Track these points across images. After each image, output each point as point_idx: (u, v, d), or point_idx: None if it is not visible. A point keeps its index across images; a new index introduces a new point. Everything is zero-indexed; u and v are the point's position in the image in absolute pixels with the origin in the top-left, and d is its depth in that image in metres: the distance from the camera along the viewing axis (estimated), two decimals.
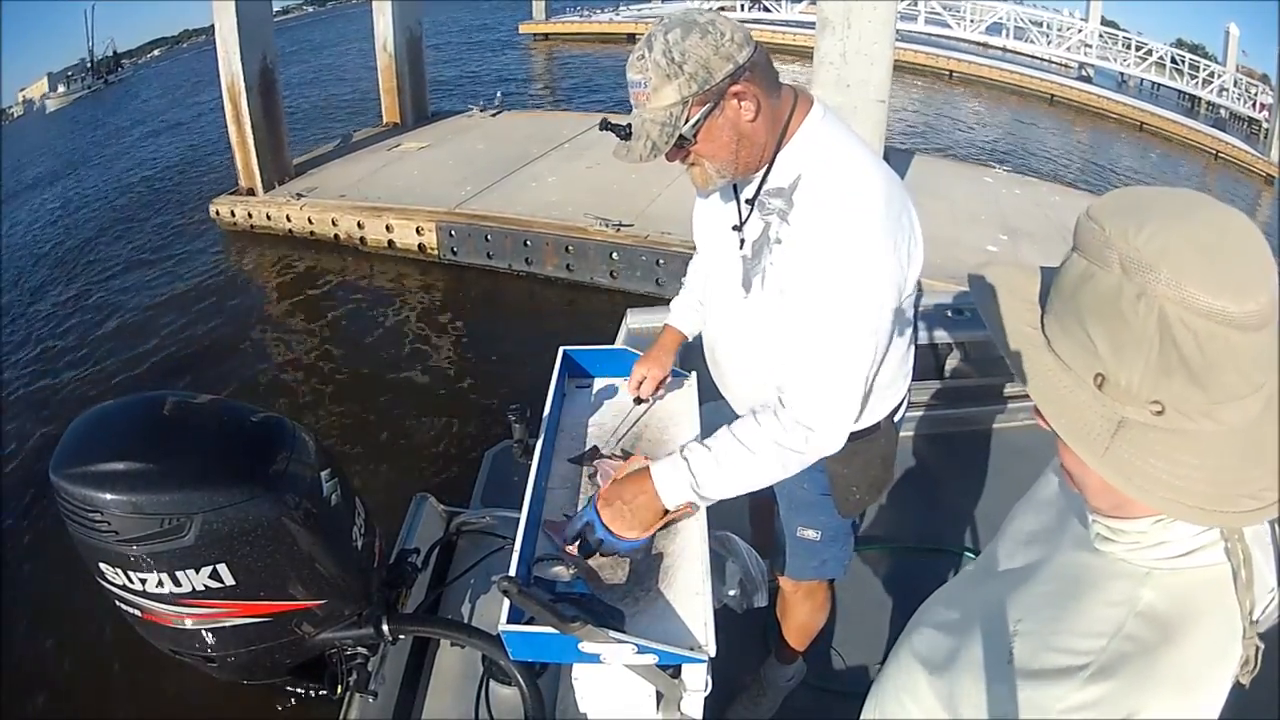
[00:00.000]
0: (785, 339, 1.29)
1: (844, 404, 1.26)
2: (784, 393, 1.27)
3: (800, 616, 1.80)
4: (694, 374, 1.69)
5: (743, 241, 1.35)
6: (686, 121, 1.19)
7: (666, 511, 1.28)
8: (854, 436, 1.38)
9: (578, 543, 1.27)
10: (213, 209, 9.40)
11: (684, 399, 1.66)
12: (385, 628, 1.28)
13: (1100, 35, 19.40)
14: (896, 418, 1.53)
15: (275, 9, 10.15)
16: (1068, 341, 0.65)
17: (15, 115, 31.43)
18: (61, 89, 30.63)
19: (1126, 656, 0.65)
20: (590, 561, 1.28)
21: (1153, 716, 0.63)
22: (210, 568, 1.06)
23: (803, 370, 1.25)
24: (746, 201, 1.33)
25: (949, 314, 2.88)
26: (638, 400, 1.60)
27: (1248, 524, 0.63)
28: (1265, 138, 15.05)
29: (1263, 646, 0.67)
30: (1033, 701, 0.66)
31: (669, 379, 1.64)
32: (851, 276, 1.20)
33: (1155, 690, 0.64)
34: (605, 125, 1.25)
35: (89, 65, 32.84)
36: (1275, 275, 0.58)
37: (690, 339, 1.68)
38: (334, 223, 8.50)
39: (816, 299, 1.22)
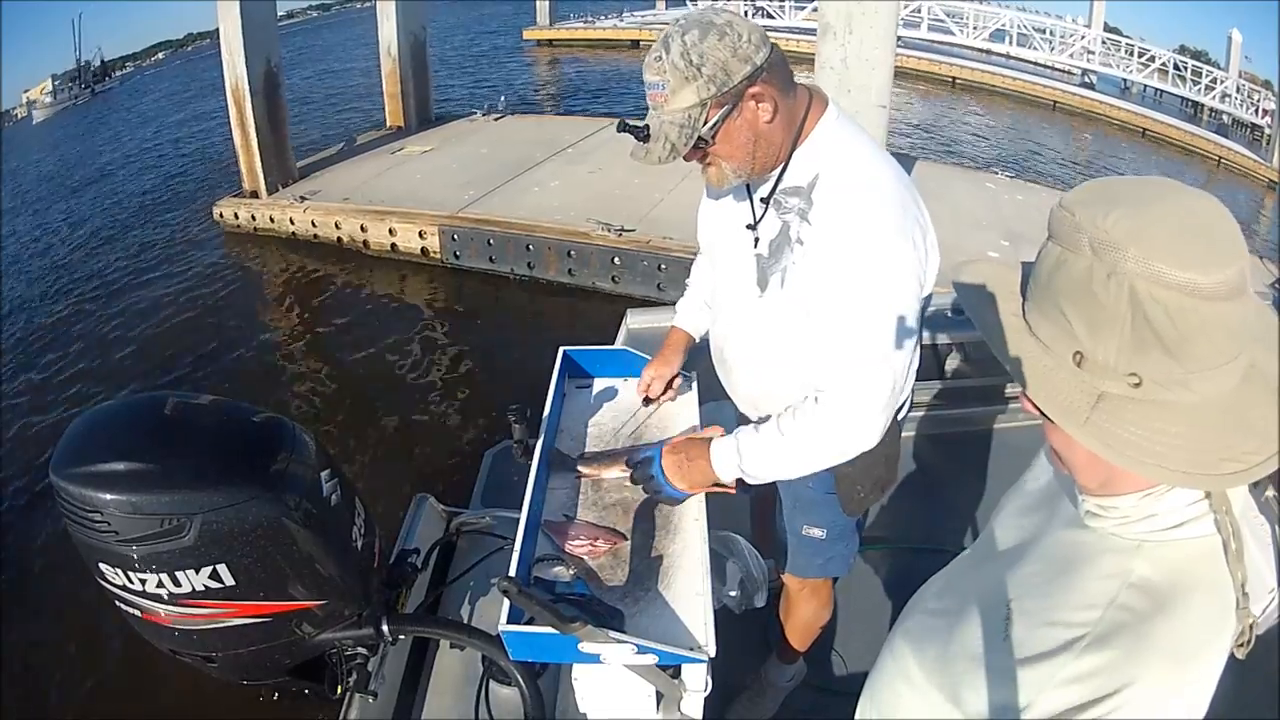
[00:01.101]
0: (809, 338, 1.30)
1: (881, 398, 1.27)
2: (822, 389, 1.28)
3: (804, 615, 1.80)
4: (694, 374, 1.69)
5: (757, 240, 1.35)
6: (705, 123, 1.20)
7: (720, 484, 1.37)
8: None
9: (631, 471, 1.40)
10: (216, 211, 9.43)
11: (684, 399, 1.67)
12: (385, 628, 1.28)
13: (1103, 42, 19.41)
14: (900, 416, 1.54)
15: (280, 13, 10.17)
16: (1047, 325, 0.68)
17: (20, 116, 31.49)
18: (48, 99, 30.47)
19: (1122, 626, 0.66)
20: (590, 562, 1.29)
21: (1150, 684, 0.64)
22: (210, 568, 1.06)
23: (839, 366, 1.26)
24: (761, 200, 1.34)
25: (949, 315, 2.87)
26: (646, 401, 1.62)
27: (1232, 486, 0.64)
28: (1268, 144, 15.02)
29: (1257, 620, 0.68)
30: (1030, 676, 0.67)
31: (678, 380, 1.65)
32: (879, 272, 1.21)
33: (1152, 658, 0.65)
34: (623, 127, 1.26)
35: (76, 75, 32.72)
36: (1243, 248, 0.60)
37: (697, 340, 1.69)
38: (337, 225, 8.50)
39: (847, 297, 1.23)
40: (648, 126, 1.22)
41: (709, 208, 1.51)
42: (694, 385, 1.68)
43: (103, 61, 35.63)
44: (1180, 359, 0.60)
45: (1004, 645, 0.70)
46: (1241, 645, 0.68)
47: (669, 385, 1.63)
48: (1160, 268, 0.58)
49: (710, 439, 1.38)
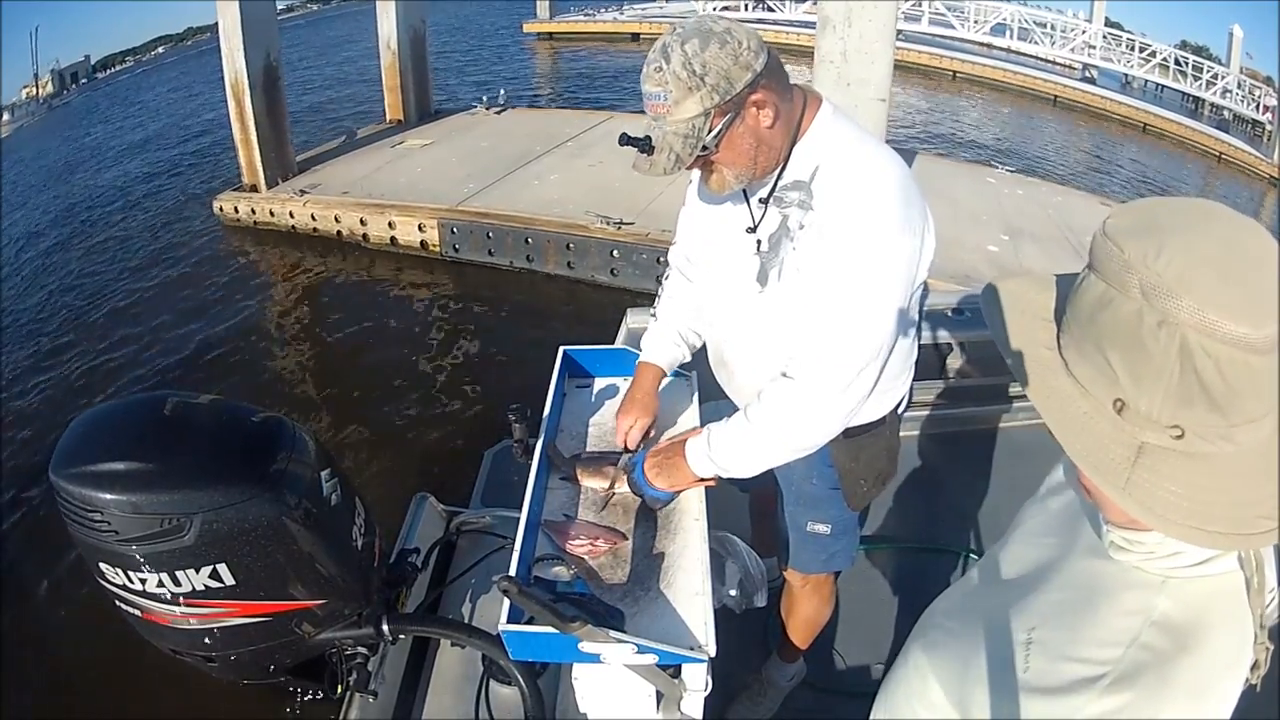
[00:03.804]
0: (799, 321, 1.29)
1: (851, 383, 1.25)
2: (793, 368, 1.27)
3: (807, 611, 1.80)
4: (694, 374, 1.68)
5: (759, 243, 1.34)
6: (709, 132, 1.19)
7: (702, 480, 1.37)
8: (861, 430, 1.38)
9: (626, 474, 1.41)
10: (216, 205, 9.40)
11: (684, 399, 1.66)
12: (385, 628, 1.28)
13: (1104, 36, 19.37)
14: (900, 412, 1.55)
15: (280, 7, 10.14)
16: (1086, 366, 0.64)
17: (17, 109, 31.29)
18: (6, 116, 29.90)
19: (1144, 666, 0.65)
20: (590, 561, 1.29)
21: None
22: (210, 568, 1.06)
23: (814, 346, 1.25)
24: (760, 201, 1.33)
25: (950, 313, 2.87)
26: (626, 449, 1.50)
27: (1267, 544, 0.62)
28: (1268, 140, 15.02)
29: (1272, 649, 0.67)
30: (1050, 712, 0.66)
31: (655, 422, 1.55)
32: (870, 257, 1.21)
33: (1172, 697, 0.64)
34: (625, 140, 1.24)
35: (33, 88, 32.22)
36: None
37: (668, 374, 1.62)
38: (337, 219, 8.49)
39: (834, 277, 1.23)
40: (649, 138, 1.21)
41: (697, 216, 1.49)
42: (694, 385, 1.67)
43: (59, 74, 34.95)
44: (1226, 412, 0.58)
45: (1024, 677, 0.70)
46: (1257, 674, 0.68)
47: (647, 432, 1.52)
48: (1215, 319, 0.56)
49: (687, 439, 1.38)
